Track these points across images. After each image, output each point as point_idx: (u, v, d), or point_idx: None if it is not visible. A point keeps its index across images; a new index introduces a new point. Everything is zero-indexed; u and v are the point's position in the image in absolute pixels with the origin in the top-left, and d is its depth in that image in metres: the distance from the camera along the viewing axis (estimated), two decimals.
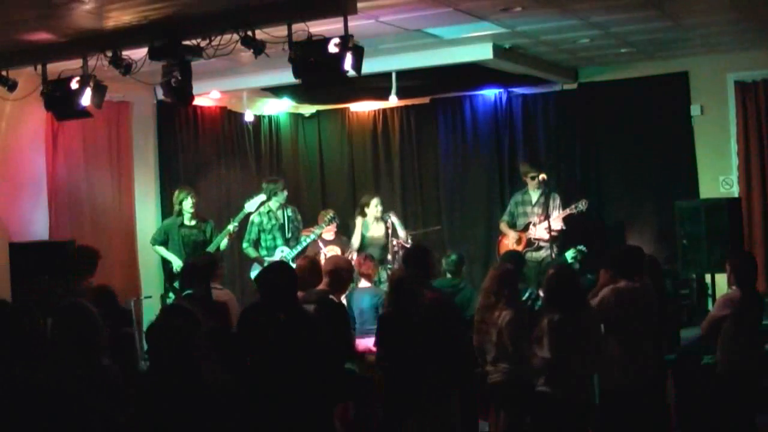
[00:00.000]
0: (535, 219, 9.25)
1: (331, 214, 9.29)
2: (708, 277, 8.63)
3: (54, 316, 4.45)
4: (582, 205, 9.06)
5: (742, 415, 6.17)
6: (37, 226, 8.66)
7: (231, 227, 8.74)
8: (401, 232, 9.26)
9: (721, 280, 7.95)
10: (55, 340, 4.30)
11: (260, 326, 5.07)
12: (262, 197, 8.96)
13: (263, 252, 8.97)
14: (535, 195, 9.37)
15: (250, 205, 8.91)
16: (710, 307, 7.88)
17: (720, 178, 9.65)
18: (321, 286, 6.15)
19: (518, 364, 5.63)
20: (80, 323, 4.29)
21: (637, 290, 5.95)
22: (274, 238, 8.99)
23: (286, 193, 9.14)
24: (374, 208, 9.35)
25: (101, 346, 4.32)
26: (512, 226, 9.48)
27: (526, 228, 9.27)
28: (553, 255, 8.86)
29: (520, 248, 9.19)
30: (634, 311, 5.91)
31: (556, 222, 9.08)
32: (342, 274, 6.30)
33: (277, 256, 8.79)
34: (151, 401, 3.96)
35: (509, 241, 9.44)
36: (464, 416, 6.16)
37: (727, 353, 6.16)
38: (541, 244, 9.15)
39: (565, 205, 9.25)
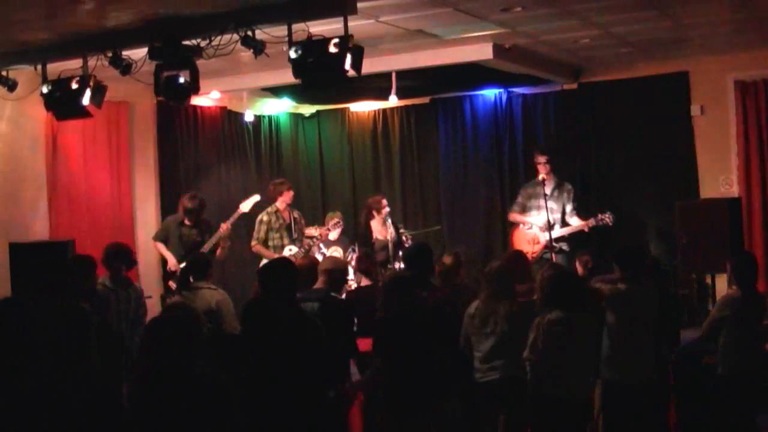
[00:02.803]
0: (551, 216, 9.12)
1: (336, 219, 9.36)
2: (708, 277, 8.63)
3: (49, 316, 4.44)
4: (608, 219, 8.93)
5: (742, 416, 6.17)
6: (37, 226, 8.66)
7: (224, 228, 8.77)
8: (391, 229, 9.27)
9: (721, 280, 7.96)
10: (50, 339, 4.29)
11: (261, 325, 5.08)
12: (256, 197, 9.03)
13: (271, 251, 9.06)
14: (548, 188, 9.28)
15: (244, 206, 9.00)
16: (710, 307, 7.88)
17: (720, 178, 9.65)
18: (318, 285, 6.16)
19: (520, 362, 5.62)
20: (72, 323, 4.28)
21: (638, 290, 5.96)
22: (281, 237, 9.15)
23: (292, 193, 9.27)
24: (384, 209, 9.38)
25: (93, 346, 4.31)
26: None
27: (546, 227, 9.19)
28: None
29: (535, 249, 9.12)
30: (635, 311, 5.91)
31: (570, 216, 9.04)
32: (338, 274, 6.32)
33: (285, 255, 8.84)
34: (149, 400, 3.95)
35: (522, 237, 9.37)
36: (465, 416, 6.16)
37: (728, 353, 6.16)
38: (555, 245, 9.08)
39: (577, 198, 9.25)
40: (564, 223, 9.27)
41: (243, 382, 4.72)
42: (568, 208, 9.19)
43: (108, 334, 6.09)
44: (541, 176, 9.30)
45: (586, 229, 9.08)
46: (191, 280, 6.74)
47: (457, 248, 8.14)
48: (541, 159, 9.35)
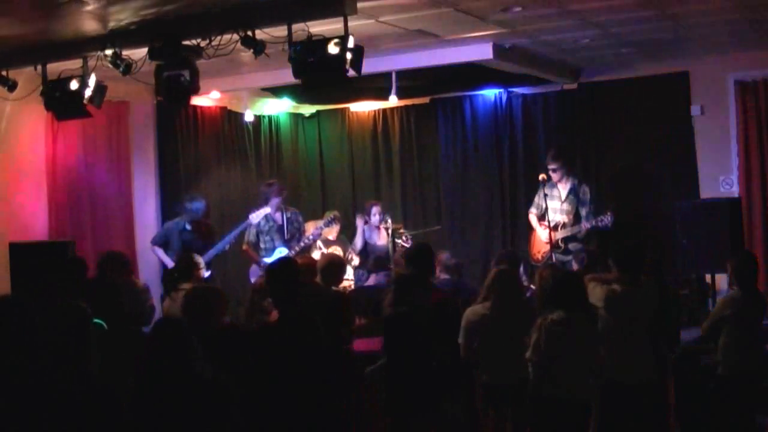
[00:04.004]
0: (564, 218, 9.10)
1: (331, 215, 9.31)
2: (708, 277, 8.62)
3: (49, 316, 4.43)
4: (607, 218, 8.80)
5: (742, 416, 6.17)
6: (37, 226, 8.66)
7: (230, 238, 8.77)
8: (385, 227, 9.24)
9: (721, 280, 7.95)
10: (50, 339, 4.28)
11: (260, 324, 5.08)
12: (267, 210, 9.00)
13: (262, 253, 9.02)
14: (564, 190, 9.24)
15: (254, 217, 8.96)
16: (710, 307, 7.87)
17: (720, 178, 9.65)
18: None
19: (523, 363, 5.62)
20: (72, 323, 4.28)
21: (636, 291, 5.95)
22: (272, 240, 9.06)
23: (280, 198, 9.16)
24: (373, 217, 9.38)
25: (93, 346, 4.30)
26: (541, 218, 9.26)
27: (555, 228, 9.09)
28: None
29: (548, 248, 9.07)
30: (634, 312, 5.91)
31: (587, 218, 8.95)
32: (334, 269, 6.41)
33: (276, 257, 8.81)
34: (149, 400, 3.95)
35: (540, 237, 9.33)
36: (465, 416, 6.16)
37: (728, 353, 6.16)
38: (570, 247, 8.99)
39: (593, 200, 9.18)
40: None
41: (243, 382, 4.72)
42: (584, 211, 9.09)
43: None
44: (540, 177, 9.23)
45: (584, 230, 8.99)
46: (177, 281, 6.76)
47: (447, 249, 8.16)
48: (552, 165, 9.17)
